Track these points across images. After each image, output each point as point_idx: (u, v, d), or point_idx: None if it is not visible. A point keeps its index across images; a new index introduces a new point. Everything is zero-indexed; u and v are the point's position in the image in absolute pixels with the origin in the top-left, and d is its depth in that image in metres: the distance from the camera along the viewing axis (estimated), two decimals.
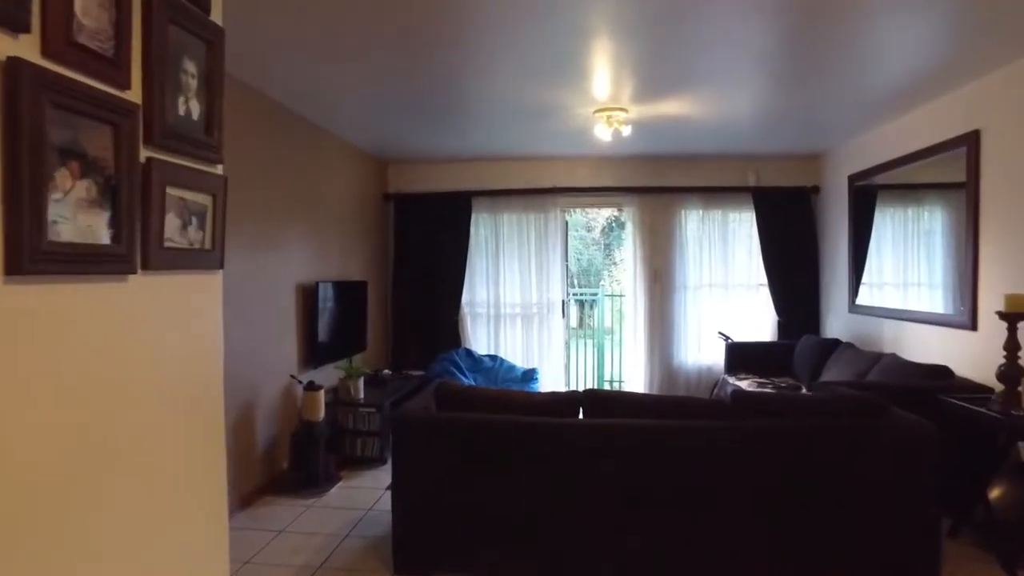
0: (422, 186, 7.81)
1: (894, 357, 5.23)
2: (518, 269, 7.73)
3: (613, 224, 17.38)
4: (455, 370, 6.84)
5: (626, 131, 5.53)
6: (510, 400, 3.72)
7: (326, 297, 5.87)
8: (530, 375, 7.18)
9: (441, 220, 7.68)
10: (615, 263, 15.54)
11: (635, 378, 7.71)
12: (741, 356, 7.06)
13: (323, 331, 5.75)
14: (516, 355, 7.71)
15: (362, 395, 5.77)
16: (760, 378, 6.61)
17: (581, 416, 3.65)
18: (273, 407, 5.10)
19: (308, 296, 5.61)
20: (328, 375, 5.96)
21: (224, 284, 1.93)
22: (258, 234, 4.91)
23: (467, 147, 7.08)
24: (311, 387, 5.04)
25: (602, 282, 13.78)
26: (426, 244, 7.72)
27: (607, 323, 11.03)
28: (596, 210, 16.12)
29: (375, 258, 7.55)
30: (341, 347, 6.20)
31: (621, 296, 12.45)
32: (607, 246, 17.03)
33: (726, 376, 6.89)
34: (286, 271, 5.34)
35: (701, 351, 7.67)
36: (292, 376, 5.21)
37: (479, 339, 7.79)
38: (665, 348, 7.64)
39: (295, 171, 5.54)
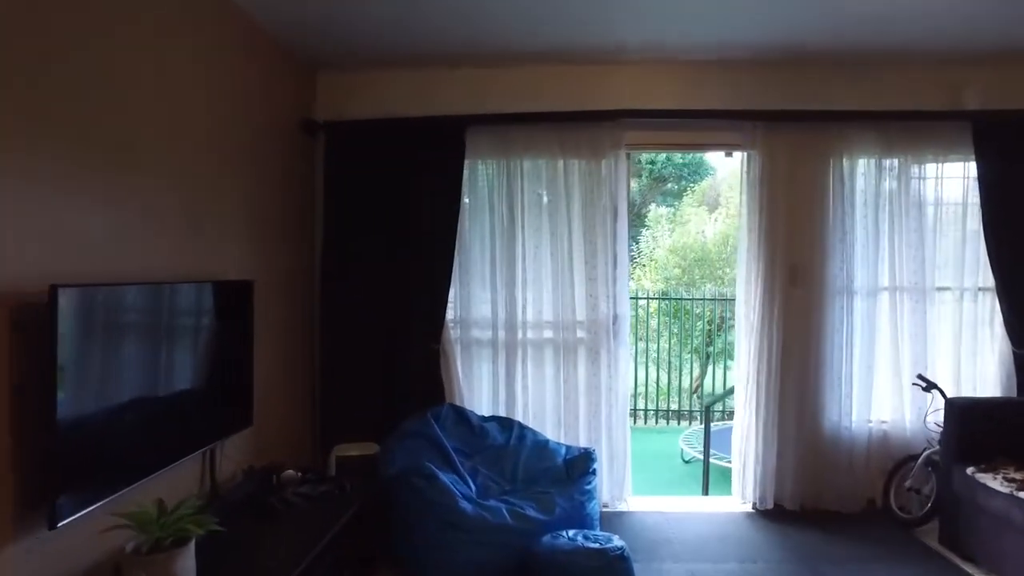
0: (376, 109, 4.04)
1: None
2: (549, 258, 4.03)
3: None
4: (432, 465, 3.12)
5: None
6: None
7: (105, 321, 2.15)
8: (584, 466, 3.47)
9: (411, 170, 3.96)
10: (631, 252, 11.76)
11: (750, 442, 4.09)
12: (976, 422, 3.46)
13: (90, 406, 2.02)
14: (547, 419, 4.01)
15: None
16: None
17: None
18: None
19: (29, 326, 1.89)
20: (107, 537, 2.22)
21: None
22: None
23: (459, 31, 3.41)
24: None
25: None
26: (383, 214, 4.00)
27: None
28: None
29: (286, 241, 3.80)
30: (165, 442, 2.46)
31: (645, 299, 8.97)
32: None
33: (975, 473, 3.27)
34: None
35: (874, 405, 4.08)
36: None
37: (479, 388, 4.07)
38: (811, 397, 4.02)
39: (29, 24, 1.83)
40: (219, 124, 3.05)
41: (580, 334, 4.01)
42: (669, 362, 8.24)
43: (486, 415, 3.88)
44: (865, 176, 4.02)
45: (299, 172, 3.99)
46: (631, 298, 8.71)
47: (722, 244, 9.98)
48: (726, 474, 6.07)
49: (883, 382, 4.05)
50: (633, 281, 10.63)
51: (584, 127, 3.95)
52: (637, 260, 10.97)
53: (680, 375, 8.34)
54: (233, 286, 2.98)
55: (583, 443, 3.89)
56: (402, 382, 3.96)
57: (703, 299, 8.85)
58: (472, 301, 4.06)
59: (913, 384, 3.88)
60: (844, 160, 3.98)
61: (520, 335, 4.01)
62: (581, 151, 3.98)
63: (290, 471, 3.00)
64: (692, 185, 13.75)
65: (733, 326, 9.27)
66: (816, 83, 3.98)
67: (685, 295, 9.03)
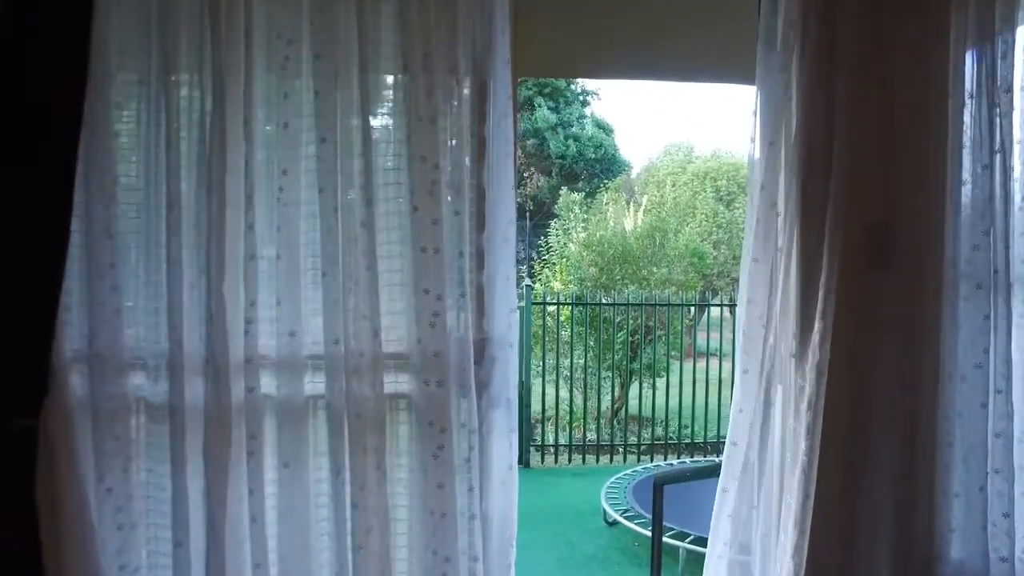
0: None
1: None
2: (318, 202, 1.50)
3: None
4: None
5: None
6: None
7: None
8: None
9: None
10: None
11: None
12: None
13: None
14: None
15: None
16: None
17: None
18: None
19: None
20: None
21: None
22: None
23: None
24: None
25: (523, 278, 7.71)
26: None
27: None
28: None
29: None
30: None
31: (555, 304, 6.70)
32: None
33: None
34: None
35: None
36: None
37: (139, 523, 1.55)
38: (917, 506, 1.68)
39: None
40: None
41: (398, 384, 1.56)
42: (585, 380, 6.59)
43: None
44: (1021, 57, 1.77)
45: None
46: (535, 303, 6.42)
47: (647, 238, 8.02)
48: (672, 554, 3.90)
49: None
50: (539, 283, 8.39)
51: None
52: (545, 258, 8.93)
53: (599, 396, 6.61)
54: None
55: None
56: None
57: (627, 304, 6.88)
58: (124, 307, 1.52)
59: None
60: (982, 23, 1.71)
61: (241, 389, 1.51)
62: None
63: None
64: (606, 182, 13.08)
65: (662, 337, 7.44)
66: None
67: (604, 299, 7.06)
